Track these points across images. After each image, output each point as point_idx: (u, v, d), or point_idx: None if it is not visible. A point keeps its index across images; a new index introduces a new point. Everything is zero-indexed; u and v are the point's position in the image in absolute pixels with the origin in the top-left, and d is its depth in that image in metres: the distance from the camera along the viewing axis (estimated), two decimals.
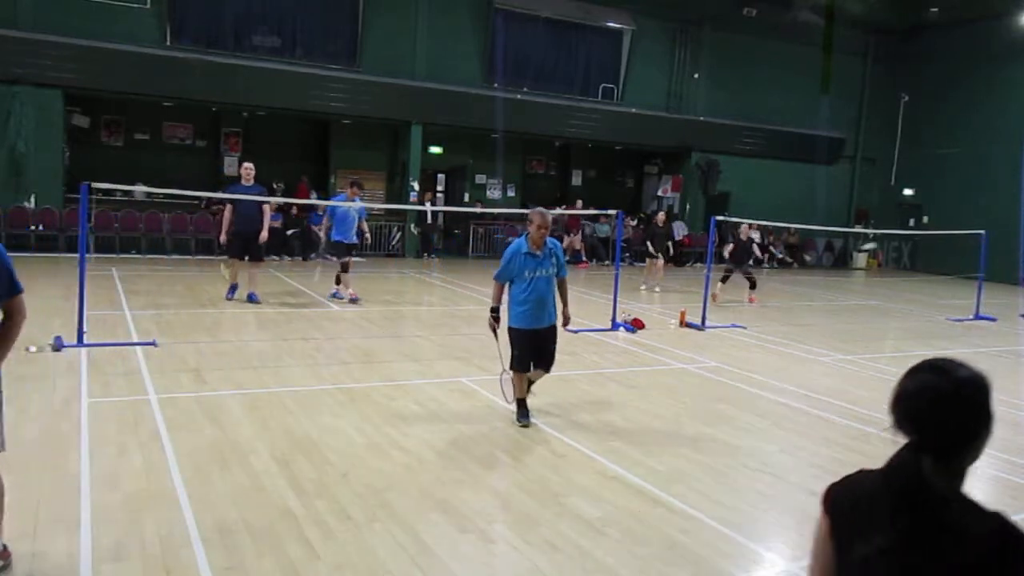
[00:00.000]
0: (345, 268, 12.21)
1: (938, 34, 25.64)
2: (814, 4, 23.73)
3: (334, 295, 12.53)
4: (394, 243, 20.70)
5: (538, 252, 6.31)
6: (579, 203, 21.69)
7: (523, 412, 6.45)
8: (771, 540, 4.62)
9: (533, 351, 6.37)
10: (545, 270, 6.32)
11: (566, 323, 6.68)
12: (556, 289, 6.50)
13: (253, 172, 11.36)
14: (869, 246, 13.19)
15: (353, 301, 12.15)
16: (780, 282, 20.25)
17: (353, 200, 12.19)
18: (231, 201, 11.32)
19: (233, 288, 11.65)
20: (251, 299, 11.60)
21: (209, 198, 18.03)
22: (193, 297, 12.00)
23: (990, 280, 16.81)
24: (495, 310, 6.48)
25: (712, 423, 6.88)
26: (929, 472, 1.63)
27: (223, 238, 11.62)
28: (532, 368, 6.44)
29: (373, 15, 19.84)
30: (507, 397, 6.47)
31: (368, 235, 13.02)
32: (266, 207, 11.42)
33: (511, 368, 6.41)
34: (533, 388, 6.69)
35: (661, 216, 17.17)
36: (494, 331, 6.50)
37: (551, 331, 6.43)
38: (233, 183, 11.89)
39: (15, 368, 7.20)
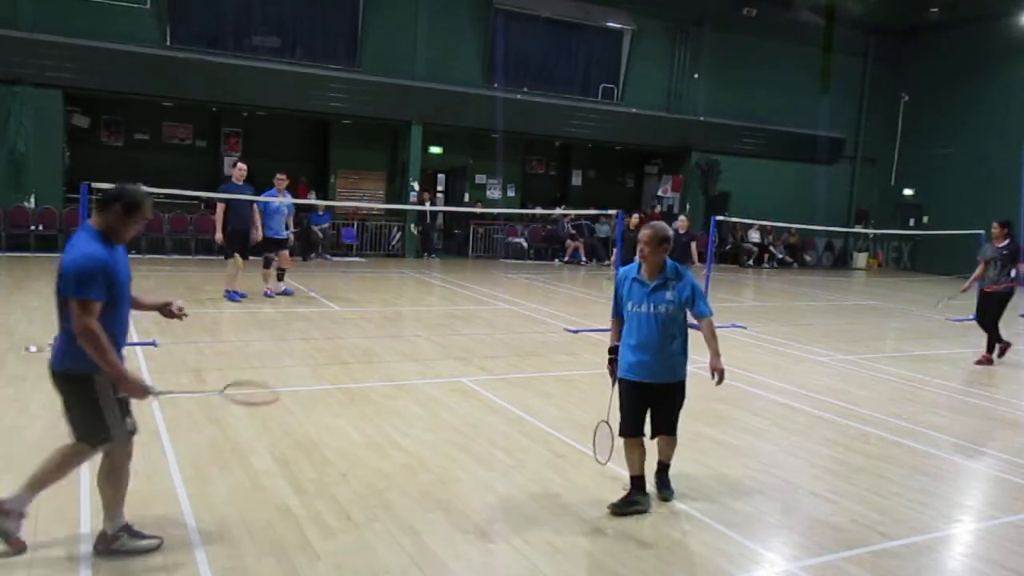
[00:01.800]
0: (268, 264, 12.23)
1: (938, 34, 25.65)
2: (814, 4, 23.74)
3: (284, 291, 12.46)
4: (394, 243, 20.71)
5: (648, 280, 4.82)
6: (659, 210, 20.26)
7: (632, 495, 4.86)
8: (771, 540, 4.62)
9: (639, 412, 4.85)
10: (655, 305, 4.76)
11: (717, 379, 4.94)
12: (680, 331, 4.91)
13: (245, 172, 11.54)
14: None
15: (268, 296, 12.16)
16: (780, 282, 20.26)
17: (284, 194, 12.13)
18: (224, 200, 11.39)
19: (240, 294, 11.72)
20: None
21: (208, 198, 18.03)
22: (193, 297, 11.99)
23: None
24: (612, 350, 5.01)
25: (712, 423, 6.88)
26: None
27: (219, 236, 11.57)
28: (642, 433, 4.91)
29: (373, 15, 19.84)
30: (598, 455, 4.92)
31: (292, 233, 13.04)
32: (255, 207, 11.51)
33: (619, 434, 4.89)
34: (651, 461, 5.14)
35: (635, 219, 13.99)
36: (612, 376, 5.03)
37: (670, 390, 4.93)
38: (226, 182, 12.06)
39: (15, 368, 7.21)
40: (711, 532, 4.61)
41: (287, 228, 12.33)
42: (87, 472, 4.89)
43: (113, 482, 3.91)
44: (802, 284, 20.26)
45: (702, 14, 23.69)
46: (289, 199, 12.33)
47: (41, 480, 3.90)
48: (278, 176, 11.98)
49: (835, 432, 6.84)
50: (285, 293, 12.42)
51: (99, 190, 9.57)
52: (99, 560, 3.82)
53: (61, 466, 3.90)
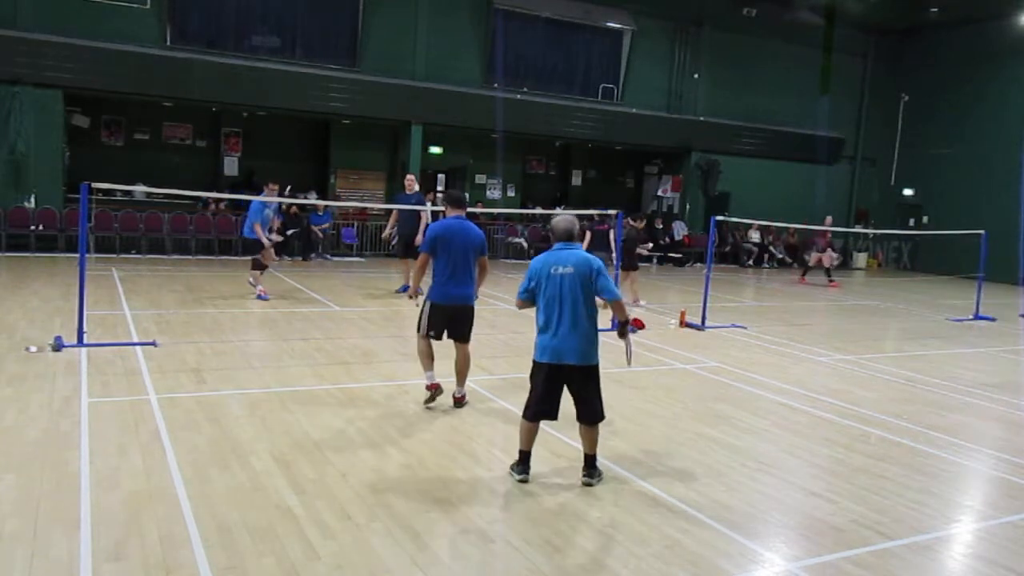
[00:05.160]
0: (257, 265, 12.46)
1: (938, 34, 25.64)
2: (814, 4, 23.74)
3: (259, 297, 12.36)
4: (394, 243, 20.65)
5: None
6: (829, 219, 20.31)
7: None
8: (771, 540, 4.62)
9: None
10: None
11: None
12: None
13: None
14: None
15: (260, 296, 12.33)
16: (780, 282, 20.25)
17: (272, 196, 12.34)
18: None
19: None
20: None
21: (208, 198, 18.06)
22: (193, 297, 11.99)
23: (990, 280, 16.82)
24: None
25: (712, 423, 6.88)
26: None
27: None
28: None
29: (373, 15, 19.83)
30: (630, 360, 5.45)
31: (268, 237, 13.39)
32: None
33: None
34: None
35: (635, 222, 13.78)
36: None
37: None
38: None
39: (15, 368, 7.22)
40: (711, 532, 4.61)
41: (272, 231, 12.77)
42: (87, 473, 4.89)
43: (468, 362, 6.83)
44: (802, 284, 20.24)
45: (702, 14, 23.67)
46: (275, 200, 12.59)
47: (464, 374, 6.81)
48: (270, 184, 12.54)
49: (835, 432, 6.84)
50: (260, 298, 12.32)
51: (99, 190, 9.61)
52: (99, 563, 3.81)
53: (468, 356, 6.83)
